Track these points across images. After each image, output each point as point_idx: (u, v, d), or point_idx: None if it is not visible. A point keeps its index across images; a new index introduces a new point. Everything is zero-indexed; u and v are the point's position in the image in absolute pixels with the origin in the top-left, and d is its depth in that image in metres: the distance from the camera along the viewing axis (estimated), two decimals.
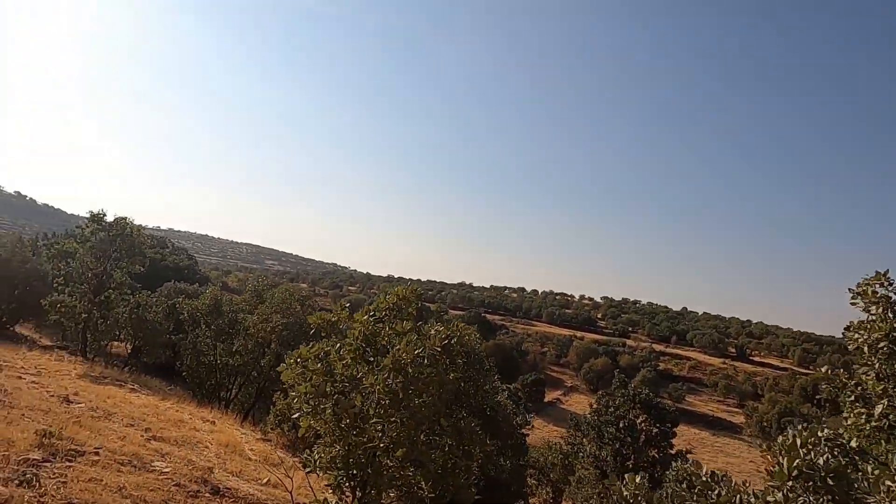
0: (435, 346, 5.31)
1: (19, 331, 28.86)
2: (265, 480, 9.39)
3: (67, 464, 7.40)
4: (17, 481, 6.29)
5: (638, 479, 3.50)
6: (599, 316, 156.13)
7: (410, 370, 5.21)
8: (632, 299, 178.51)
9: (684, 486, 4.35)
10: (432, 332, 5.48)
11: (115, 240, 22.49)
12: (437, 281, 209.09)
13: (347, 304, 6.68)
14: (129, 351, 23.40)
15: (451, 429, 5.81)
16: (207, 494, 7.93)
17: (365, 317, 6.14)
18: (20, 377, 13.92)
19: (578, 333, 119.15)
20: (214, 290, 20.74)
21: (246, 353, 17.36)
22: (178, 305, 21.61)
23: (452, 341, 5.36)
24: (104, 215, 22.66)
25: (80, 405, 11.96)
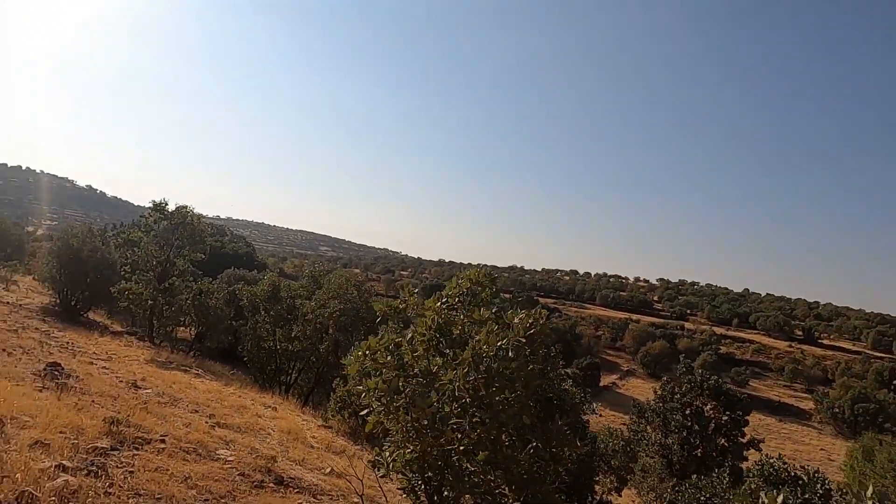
0: (519, 336, 4.78)
1: (92, 317, 30.22)
2: (328, 470, 9.18)
3: (134, 452, 7.34)
4: (85, 471, 6.21)
5: (780, 500, 2.89)
6: (655, 298, 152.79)
7: (494, 364, 4.72)
8: (689, 281, 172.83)
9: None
10: (516, 320, 4.95)
11: (176, 228, 23.00)
12: (488, 265, 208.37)
13: (416, 290, 6.24)
14: (192, 336, 24.01)
15: (538, 429, 5.29)
16: (272, 484, 7.75)
17: (437, 304, 5.68)
18: (91, 362, 14.32)
19: (634, 316, 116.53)
20: (272, 276, 20.89)
21: (304, 339, 17.39)
22: (237, 292, 21.96)
23: (536, 329, 4.82)
24: (166, 204, 23.19)
25: (147, 391, 12.13)
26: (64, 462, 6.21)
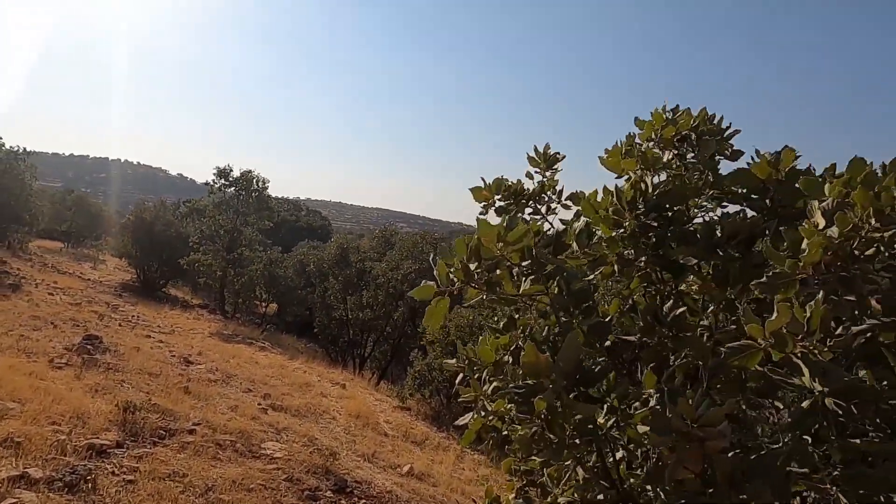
0: None
1: (173, 292, 30.13)
2: (405, 469, 7.05)
3: (146, 449, 5.47)
4: (59, 483, 4.34)
5: None
6: None
7: None
8: None
9: None
10: None
11: (241, 193, 21.74)
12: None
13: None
14: (264, 308, 22.90)
15: None
16: (329, 493, 5.69)
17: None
18: (149, 336, 13.04)
19: None
20: (340, 237, 19.13)
21: (377, 306, 15.49)
22: (304, 257, 20.44)
23: None
24: (231, 170, 21.94)
25: (198, 366, 10.55)
26: (29, 470, 4.34)
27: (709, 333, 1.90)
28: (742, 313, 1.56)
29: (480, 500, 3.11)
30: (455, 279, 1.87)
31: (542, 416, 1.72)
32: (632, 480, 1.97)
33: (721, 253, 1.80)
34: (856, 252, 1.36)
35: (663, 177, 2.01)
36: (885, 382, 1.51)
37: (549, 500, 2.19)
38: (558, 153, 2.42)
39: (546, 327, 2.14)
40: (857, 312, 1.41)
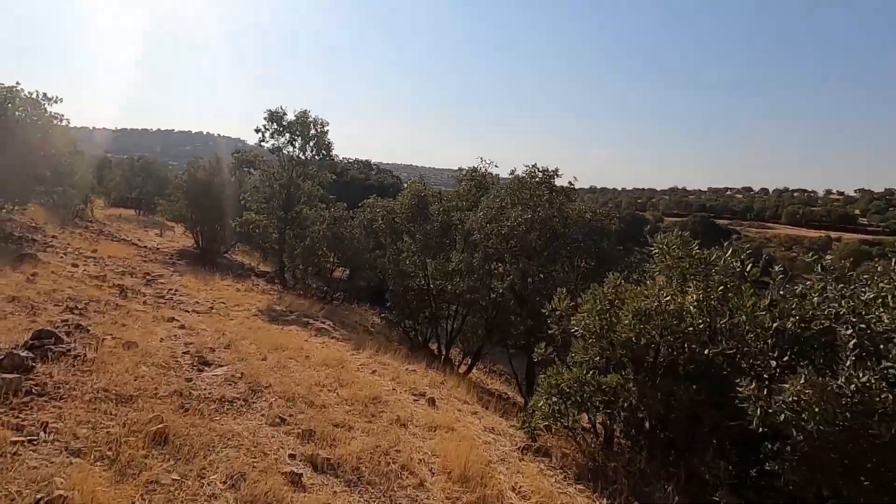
0: None
1: (238, 258, 27.66)
2: None
3: None
4: None
5: None
6: (858, 212, 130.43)
7: None
8: None
9: None
10: None
11: (296, 140, 18.19)
12: (645, 188, 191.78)
13: None
14: (330, 274, 19.54)
15: None
16: None
17: None
18: (172, 319, 9.79)
19: (833, 234, 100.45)
20: (416, 184, 15.16)
21: (468, 273, 11.43)
22: (370, 209, 16.64)
23: None
24: (284, 113, 18.38)
25: (216, 372, 7.03)
26: None
27: None
28: None
29: None
30: None
31: None
32: None
33: None
34: None
35: None
36: None
37: None
38: None
39: None
40: None
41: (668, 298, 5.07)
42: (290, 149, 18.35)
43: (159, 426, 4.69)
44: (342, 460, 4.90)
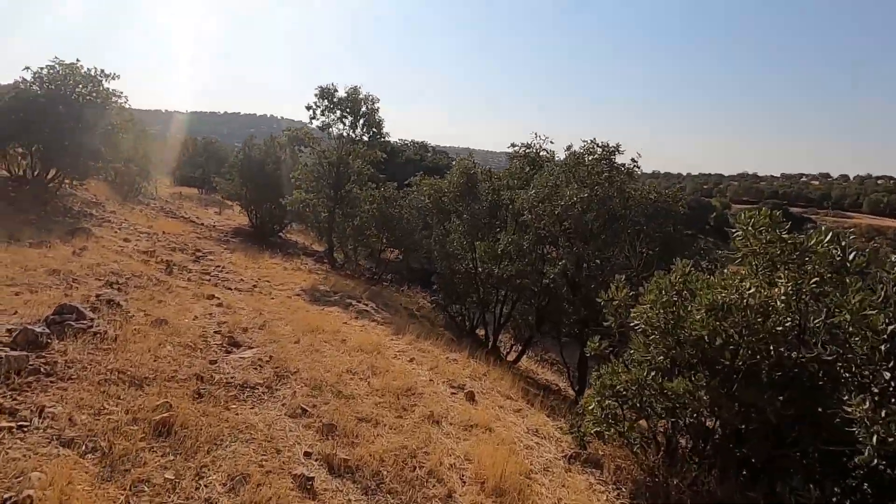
0: None
1: (292, 237, 27.82)
2: None
3: None
4: None
5: None
6: None
7: None
8: None
9: None
10: None
11: (346, 117, 17.80)
12: (712, 173, 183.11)
13: None
14: (379, 255, 19.18)
15: None
16: None
17: None
18: (212, 296, 9.57)
19: None
20: (465, 161, 14.40)
21: (518, 256, 10.63)
22: (415, 185, 16.00)
23: None
24: (335, 90, 18.00)
25: (244, 354, 6.65)
26: None
27: None
28: None
29: None
30: None
31: None
32: None
33: None
34: None
35: None
36: None
37: None
38: None
39: None
40: None
41: (751, 291, 4.20)
42: (340, 126, 17.98)
43: (165, 414, 4.29)
44: (362, 462, 4.36)
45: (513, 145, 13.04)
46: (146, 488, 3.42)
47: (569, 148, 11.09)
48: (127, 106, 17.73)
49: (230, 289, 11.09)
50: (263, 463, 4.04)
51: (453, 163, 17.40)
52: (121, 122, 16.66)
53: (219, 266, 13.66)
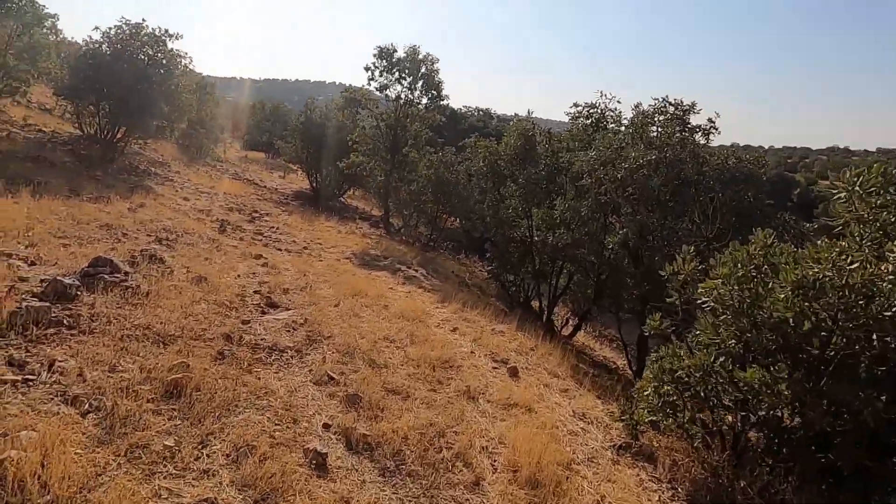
0: None
1: (352, 202, 27.85)
2: None
3: None
4: None
5: None
6: None
7: None
8: None
9: None
10: None
11: (405, 78, 17.27)
12: (797, 147, 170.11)
13: None
14: (435, 221, 18.76)
15: None
16: None
17: None
18: (260, 256, 9.46)
19: None
20: (523, 122, 13.53)
21: (576, 224, 9.81)
22: (469, 148, 15.32)
23: None
24: (394, 50, 17.47)
25: (281, 315, 6.41)
26: None
27: None
28: None
29: None
30: None
31: None
32: None
33: None
34: None
35: None
36: None
37: None
38: None
39: None
40: None
41: (853, 266, 3.43)
42: (399, 87, 17.48)
43: (179, 375, 4.04)
44: (384, 439, 3.97)
45: (575, 105, 12.10)
46: (142, 455, 3.16)
47: (637, 106, 10.09)
48: (192, 67, 17.97)
49: (280, 250, 11.00)
50: (275, 434, 3.73)
51: (510, 124, 16.50)
52: (186, 82, 16.87)
53: (273, 227, 13.68)
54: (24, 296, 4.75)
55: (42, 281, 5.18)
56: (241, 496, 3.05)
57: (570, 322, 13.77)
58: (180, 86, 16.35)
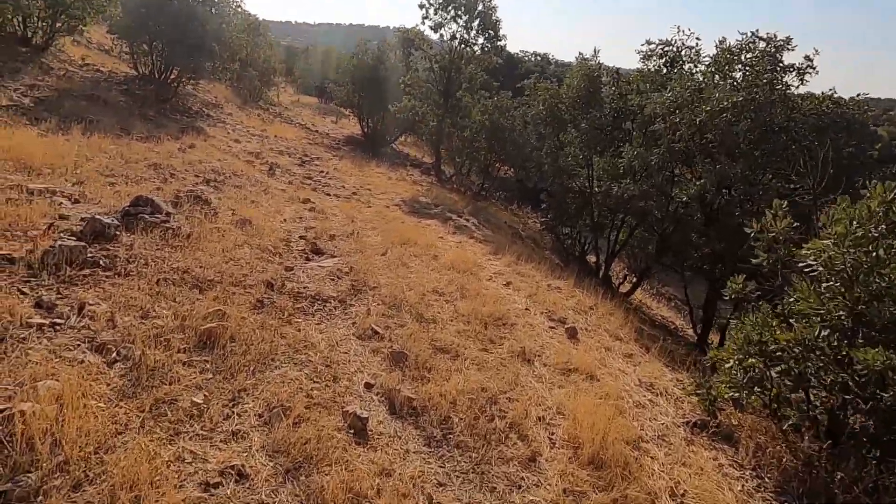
0: None
1: (405, 150, 27.32)
2: None
3: None
4: None
5: None
6: None
7: None
8: None
9: None
10: None
11: (460, 15, 16.30)
12: (882, 98, 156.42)
13: None
14: (488, 168, 18.06)
15: None
16: None
17: None
18: (307, 200, 9.20)
19: None
20: (587, 62, 12.45)
21: (644, 175, 8.94)
22: (527, 90, 14.36)
23: None
24: None
25: (326, 263, 6.11)
26: None
27: None
28: None
29: None
30: None
31: None
32: None
33: None
34: None
35: None
36: None
37: None
38: None
39: None
40: None
41: None
42: (454, 26, 16.52)
43: (214, 324, 3.77)
44: (431, 403, 3.61)
45: (647, 42, 10.90)
46: (168, 411, 2.89)
47: (721, 42, 8.91)
48: (244, 7, 17.55)
49: (328, 195, 10.70)
50: (313, 393, 3.41)
51: (573, 65, 15.28)
52: (236, 21, 16.50)
53: (322, 171, 13.39)
54: (61, 234, 4.57)
55: (82, 220, 5.00)
56: (271, 464, 2.75)
57: (628, 279, 13.06)
58: (232, 25, 15.98)
